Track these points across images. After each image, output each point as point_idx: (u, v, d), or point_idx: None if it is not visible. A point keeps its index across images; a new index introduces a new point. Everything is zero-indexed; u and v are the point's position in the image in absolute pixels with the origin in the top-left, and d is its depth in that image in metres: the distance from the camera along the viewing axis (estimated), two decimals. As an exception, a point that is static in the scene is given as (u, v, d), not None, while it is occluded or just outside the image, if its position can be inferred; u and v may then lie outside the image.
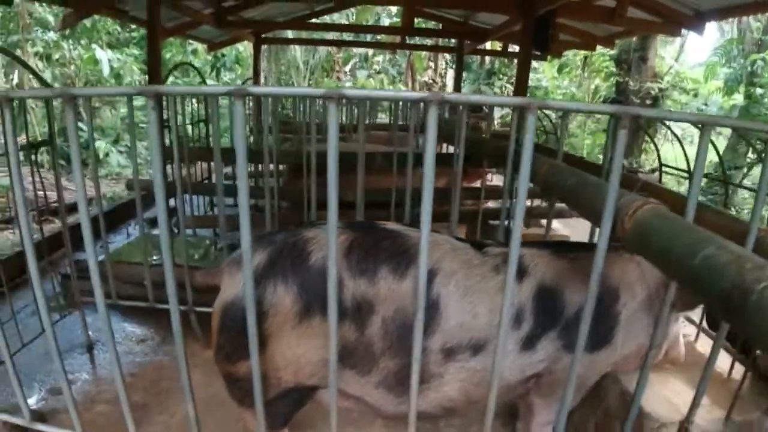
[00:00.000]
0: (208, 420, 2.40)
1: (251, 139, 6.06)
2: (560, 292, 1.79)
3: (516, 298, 1.75)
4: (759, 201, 1.53)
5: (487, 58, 14.26)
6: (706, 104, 11.84)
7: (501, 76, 14.16)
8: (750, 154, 9.28)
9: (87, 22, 10.58)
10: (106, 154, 8.57)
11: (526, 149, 1.23)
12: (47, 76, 9.76)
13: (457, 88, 7.68)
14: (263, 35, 8.00)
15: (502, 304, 1.36)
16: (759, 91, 9.13)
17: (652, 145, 9.21)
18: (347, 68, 15.28)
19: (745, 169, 8.88)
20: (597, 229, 1.41)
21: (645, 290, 1.86)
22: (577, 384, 1.89)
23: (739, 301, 0.98)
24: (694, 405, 1.83)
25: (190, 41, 10.57)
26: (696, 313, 2.50)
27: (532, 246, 1.94)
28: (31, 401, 2.62)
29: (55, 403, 2.63)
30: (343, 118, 6.87)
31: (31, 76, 8.15)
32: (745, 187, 4.35)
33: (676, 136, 4.33)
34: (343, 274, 1.65)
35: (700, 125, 1.38)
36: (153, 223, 5.19)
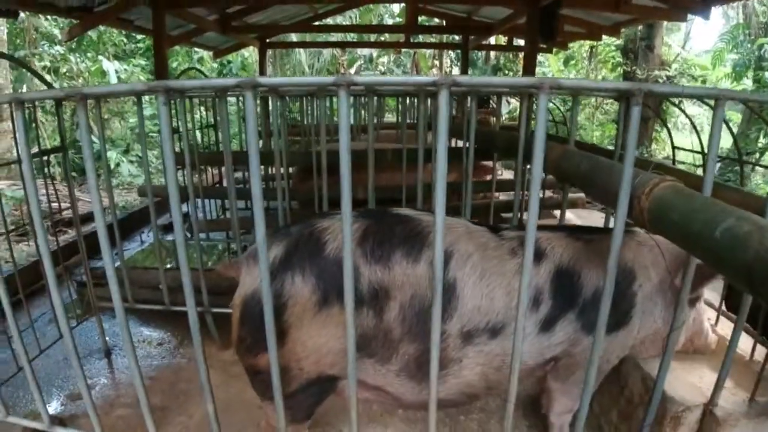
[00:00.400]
0: (226, 421, 2.38)
1: (261, 143, 6.07)
2: (577, 274, 1.78)
3: (534, 281, 1.74)
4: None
5: (492, 55, 14.22)
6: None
7: (506, 71, 14.10)
8: (762, 139, 9.16)
9: (93, 35, 10.68)
10: (117, 164, 8.62)
11: (539, 127, 1.21)
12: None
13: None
14: (268, 40, 8.04)
15: (519, 287, 1.34)
16: (767, 75, 9.04)
17: (662, 135, 9.12)
18: (352, 70, 15.29)
19: (757, 155, 8.77)
20: (612, 217, 1.39)
21: (659, 273, 1.86)
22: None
23: (762, 271, 0.96)
24: (718, 387, 1.81)
25: (196, 49, 10.64)
26: (716, 297, 2.47)
27: (548, 229, 1.94)
28: (51, 407, 2.64)
29: (75, 408, 2.64)
30: (352, 119, 6.88)
31: (44, 88, 8.24)
32: (761, 165, 4.29)
33: (688, 117, 4.27)
34: (359, 261, 1.66)
35: (713, 100, 1.36)
36: (165, 229, 5.23)
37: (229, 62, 12.33)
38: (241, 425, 2.42)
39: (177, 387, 2.79)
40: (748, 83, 10.02)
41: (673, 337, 1.61)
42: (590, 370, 1.47)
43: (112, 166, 8.43)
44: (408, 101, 5.44)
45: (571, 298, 1.77)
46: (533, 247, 1.31)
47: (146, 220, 5.81)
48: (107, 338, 3.22)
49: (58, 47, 10.25)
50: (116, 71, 10.08)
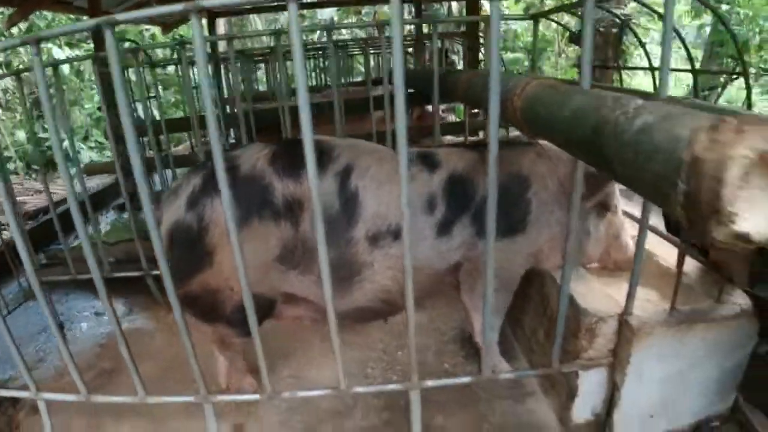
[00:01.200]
0: (169, 377, 2.46)
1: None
2: (470, 180, 1.88)
3: (427, 187, 1.88)
4: (664, 66, 1.49)
5: (455, 8, 13.94)
6: (676, 29, 11.69)
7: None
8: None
9: (41, 24, 10.37)
10: (77, 152, 8.49)
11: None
12: (8, 83, 9.66)
13: (420, 37, 7.42)
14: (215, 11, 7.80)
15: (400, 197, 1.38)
16: (725, 7, 8.98)
17: (625, 78, 9.10)
18: (314, 36, 14.93)
19: (719, 89, 8.82)
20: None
21: (556, 183, 1.94)
22: (498, 278, 1.94)
23: (599, 139, 0.96)
24: (630, 295, 1.80)
25: (147, 26, 10.36)
26: (637, 210, 2.47)
27: (450, 146, 2.14)
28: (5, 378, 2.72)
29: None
30: (313, 81, 6.95)
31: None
32: (639, 68, 4.22)
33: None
34: (271, 178, 1.79)
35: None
36: (122, 209, 5.19)
37: (181, 36, 12.05)
38: (186, 381, 2.45)
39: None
40: (707, 18, 9.98)
41: (570, 244, 1.60)
42: (488, 270, 1.48)
43: (72, 154, 8.29)
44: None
45: (465, 203, 1.88)
46: (406, 163, 1.32)
47: (104, 202, 5.80)
48: (61, 313, 3.34)
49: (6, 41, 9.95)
50: (68, 57, 9.82)
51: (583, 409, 1.98)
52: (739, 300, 1.92)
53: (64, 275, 3.18)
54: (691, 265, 2.16)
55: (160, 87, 10.37)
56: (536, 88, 1.32)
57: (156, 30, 10.72)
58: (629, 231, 2.24)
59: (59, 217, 3.07)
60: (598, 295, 1.97)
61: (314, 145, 1.83)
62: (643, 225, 1.73)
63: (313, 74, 7.73)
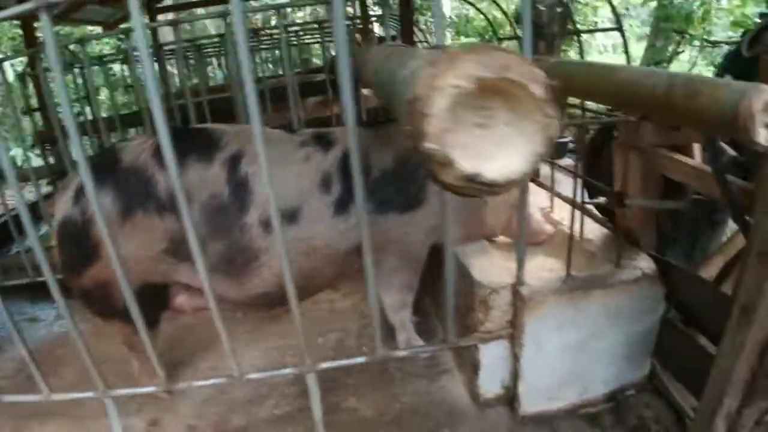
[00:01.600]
0: (105, 372, 2.44)
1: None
2: (364, 157, 1.84)
3: (322, 166, 1.88)
4: (525, 29, 1.48)
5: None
6: (627, 8, 11.82)
7: (423, 11, 13.72)
8: (670, 48, 9.35)
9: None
10: (26, 160, 8.31)
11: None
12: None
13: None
14: (158, 5, 7.57)
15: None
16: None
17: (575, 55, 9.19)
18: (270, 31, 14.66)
19: (665, 64, 8.96)
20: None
21: None
22: (401, 254, 1.99)
23: (391, 97, 0.97)
24: (519, 265, 1.72)
25: (90, 27, 10.10)
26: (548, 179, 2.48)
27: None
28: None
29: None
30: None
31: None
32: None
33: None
34: (153, 171, 1.77)
35: None
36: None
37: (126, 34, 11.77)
38: (116, 379, 2.44)
39: (54, 353, 2.80)
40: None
41: (446, 214, 1.59)
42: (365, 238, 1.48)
43: (20, 163, 8.11)
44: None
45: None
46: (262, 142, 1.32)
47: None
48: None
49: (-49, 53, 9.69)
50: (12, 65, 9.56)
51: (490, 383, 1.96)
52: (642, 264, 1.90)
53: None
54: (597, 231, 2.17)
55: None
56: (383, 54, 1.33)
57: (100, 30, 10.48)
58: (536, 201, 2.25)
59: None
60: (495, 268, 1.96)
61: (202, 134, 1.89)
62: (524, 188, 1.61)
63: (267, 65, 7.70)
